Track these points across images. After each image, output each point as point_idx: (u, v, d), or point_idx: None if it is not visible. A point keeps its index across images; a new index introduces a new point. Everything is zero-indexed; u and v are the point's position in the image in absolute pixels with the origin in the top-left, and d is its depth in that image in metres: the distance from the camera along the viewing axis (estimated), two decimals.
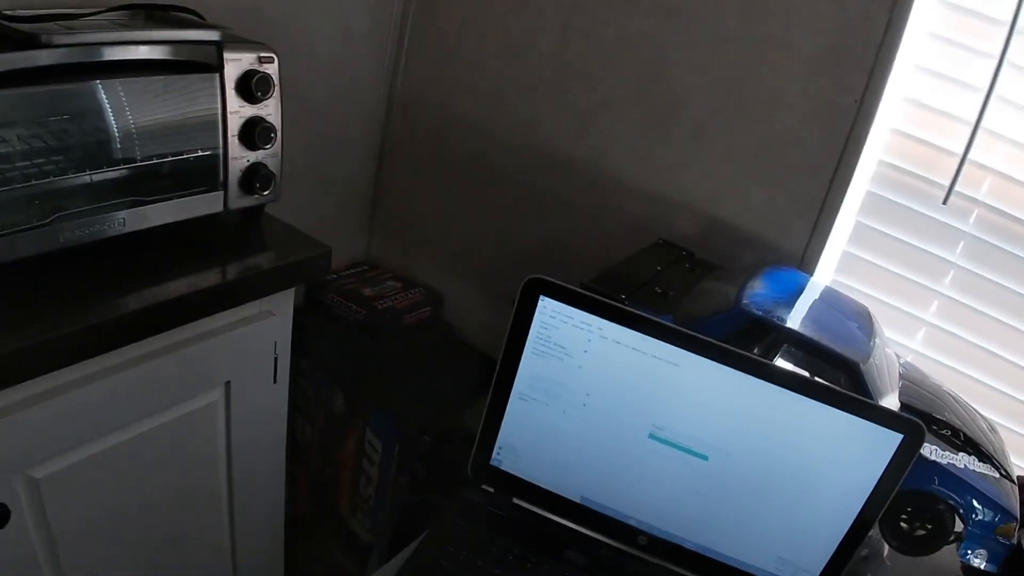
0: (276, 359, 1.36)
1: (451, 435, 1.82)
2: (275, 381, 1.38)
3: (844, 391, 0.97)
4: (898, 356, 1.33)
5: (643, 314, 0.99)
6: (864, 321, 1.28)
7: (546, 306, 1.00)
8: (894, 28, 1.32)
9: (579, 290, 1.00)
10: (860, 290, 1.51)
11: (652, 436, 1.03)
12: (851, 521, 1.00)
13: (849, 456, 0.98)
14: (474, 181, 1.90)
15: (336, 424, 1.88)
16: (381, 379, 1.80)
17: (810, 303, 1.29)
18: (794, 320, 1.19)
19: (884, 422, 0.95)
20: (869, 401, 0.98)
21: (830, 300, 1.34)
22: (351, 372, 1.83)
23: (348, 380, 1.84)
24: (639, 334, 0.99)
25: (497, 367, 1.05)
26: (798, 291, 1.32)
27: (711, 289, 1.32)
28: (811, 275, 1.47)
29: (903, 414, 0.97)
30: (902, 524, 1.13)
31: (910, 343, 1.49)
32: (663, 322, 0.99)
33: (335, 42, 1.77)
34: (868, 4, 1.33)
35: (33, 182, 1.03)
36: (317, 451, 1.96)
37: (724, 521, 1.05)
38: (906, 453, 0.96)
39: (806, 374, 1.10)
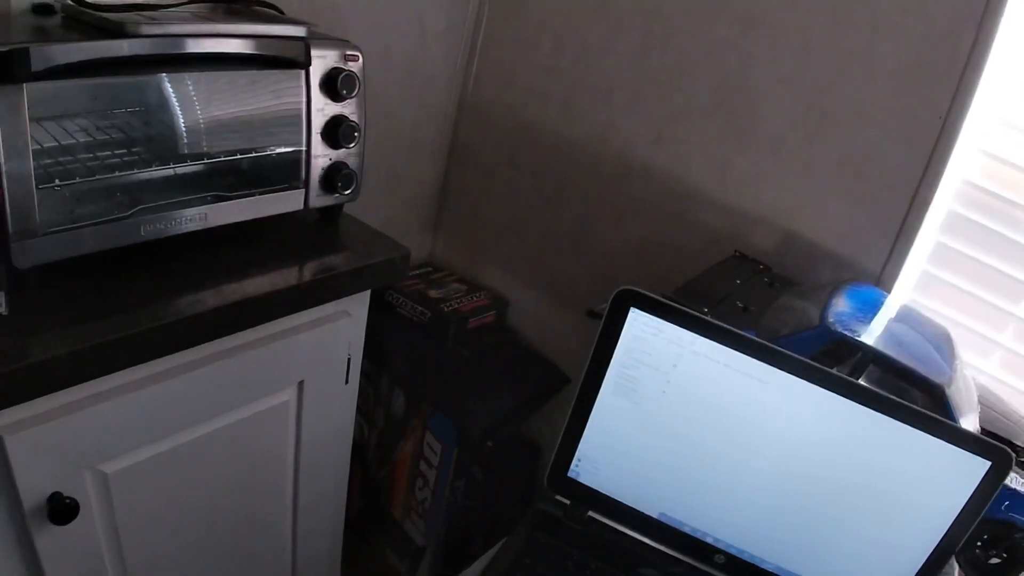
0: (349, 359, 1.36)
1: (511, 442, 1.81)
2: (347, 382, 1.37)
3: (937, 416, 0.95)
4: (973, 379, 1.30)
5: (738, 331, 0.97)
6: (944, 343, 1.26)
7: (636, 318, 0.99)
8: (981, 46, 1.30)
9: (673, 304, 0.98)
10: (935, 309, 1.48)
11: (736, 453, 1.01)
12: (932, 547, 0.98)
13: (935, 482, 0.96)
14: (544, 186, 1.90)
15: (395, 425, 1.88)
16: (444, 382, 1.79)
17: (891, 323, 1.27)
18: (878, 340, 1.17)
19: (972, 448, 0.93)
20: (959, 427, 0.96)
21: (910, 320, 1.32)
22: (413, 373, 1.83)
23: (410, 381, 1.83)
24: (731, 350, 0.97)
25: (582, 378, 1.04)
26: (879, 310, 1.29)
27: (792, 305, 1.30)
28: (889, 293, 1.44)
29: (991, 440, 0.94)
30: (977, 551, 1.10)
31: (985, 365, 1.47)
32: (758, 340, 0.97)
33: (410, 41, 1.77)
34: (955, 21, 1.31)
35: (116, 173, 1.03)
36: (374, 451, 1.95)
37: (804, 543, 1.03)
38: (992, 480, 0.94)
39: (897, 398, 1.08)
